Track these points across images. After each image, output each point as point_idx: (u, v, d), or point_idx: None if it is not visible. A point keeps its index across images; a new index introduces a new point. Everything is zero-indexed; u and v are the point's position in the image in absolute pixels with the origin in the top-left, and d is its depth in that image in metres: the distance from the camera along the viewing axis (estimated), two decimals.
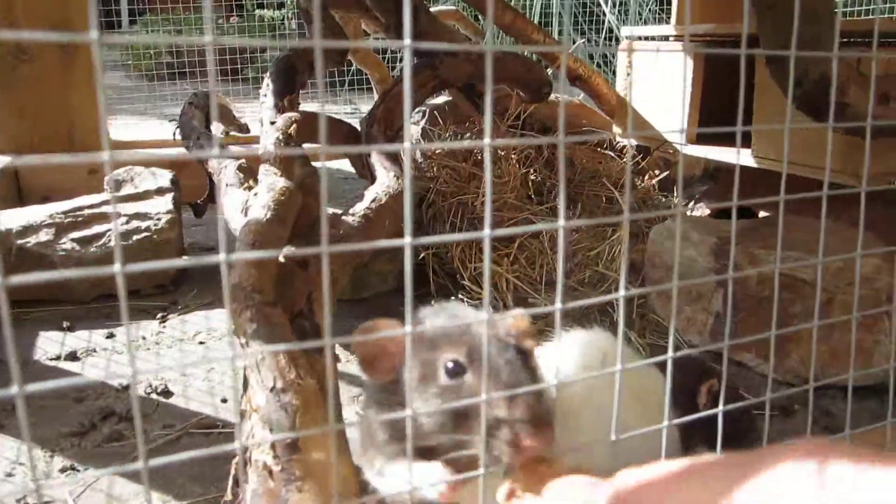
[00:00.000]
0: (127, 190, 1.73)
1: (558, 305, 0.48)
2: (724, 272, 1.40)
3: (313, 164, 1.47)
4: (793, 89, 1.27)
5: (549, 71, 2.07)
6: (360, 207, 1.20)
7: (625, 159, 2.02)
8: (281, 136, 1.25)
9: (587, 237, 1.59)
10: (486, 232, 0.45)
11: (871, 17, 3.38)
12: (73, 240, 1.56)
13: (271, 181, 1.08)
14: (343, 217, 1.18)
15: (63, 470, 1.00)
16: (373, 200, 1.22)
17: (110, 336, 1.43)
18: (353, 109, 3.46)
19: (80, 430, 1.09)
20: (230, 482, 0.77)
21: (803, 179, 1.51)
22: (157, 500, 0.94)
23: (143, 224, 1.63)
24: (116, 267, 0.36)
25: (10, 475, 1.00)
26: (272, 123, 1.31)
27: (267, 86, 1.53)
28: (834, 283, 1.27)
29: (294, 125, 1.30)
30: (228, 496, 0.76)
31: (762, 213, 1.84)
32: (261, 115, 1.48)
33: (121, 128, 2.74)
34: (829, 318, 1.29)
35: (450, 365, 0.59)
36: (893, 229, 1.51)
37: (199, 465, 1.02)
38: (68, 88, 2.32)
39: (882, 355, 1.25)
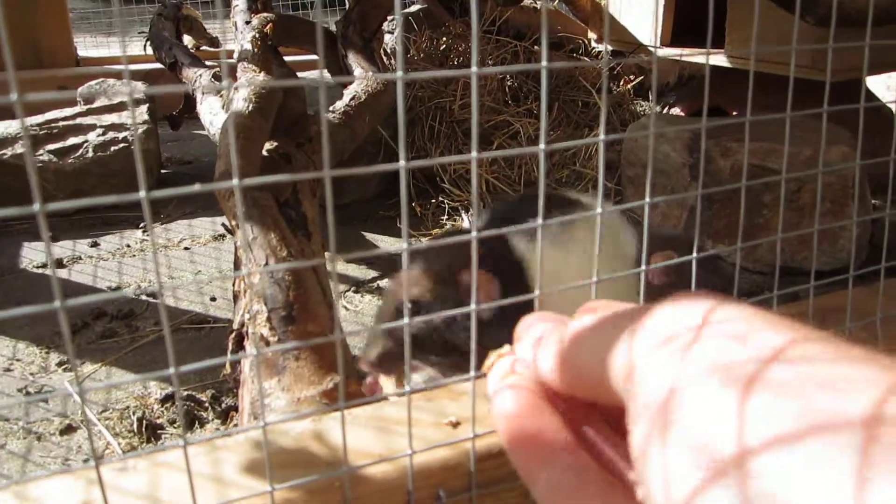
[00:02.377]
0: (101, 102, 1.71)
1: (542, 147, 0.50)
2: (699, 165, 1.44)
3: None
4: None
5: None
6: (339, 105, 1.21)
7: (600, 64, 2.02)
8: (257, 35, 1.24)
9: (564, 137, 1.61)
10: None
11: None
12: (49, 151, 1.55)
13: (250, 76, 1.08)
14: (324, 115, 1.19)
15: (60, 364, 1.03)
16: (352, 98, 1.23)
17: (94, 245, 1.44)
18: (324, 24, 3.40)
19: (73, 329, 1.12)
20: (227, 357, 0.80)
21: (776, 77, 1.53)
22: (156, 388, 0.97)
23: (120, 135, 1.62)
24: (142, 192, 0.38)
25: (8, 370, 1.02)
26: (247, 23, 1.30)
27: None
28: (804, 171, 1.31)
29: (270, 24, 1.29)
30: (227, 370, 0.80)
31: (734, 113, 1.86)
32: (234, 17, 1.46)
33: (87, 48, 2.68)
34: (799, 206, 1.33)
35: None
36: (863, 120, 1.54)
37: (193, 355, 1.05)
38: (31, 5, 2.25)
39: (847, 240, 1.30)
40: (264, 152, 1.05)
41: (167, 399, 0.94)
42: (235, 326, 0.79)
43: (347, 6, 1.90)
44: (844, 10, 1.29)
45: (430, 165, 1.57)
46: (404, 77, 0.47)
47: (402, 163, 0.45)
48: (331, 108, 1.20)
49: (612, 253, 0.81)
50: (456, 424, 0.59)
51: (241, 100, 1.03)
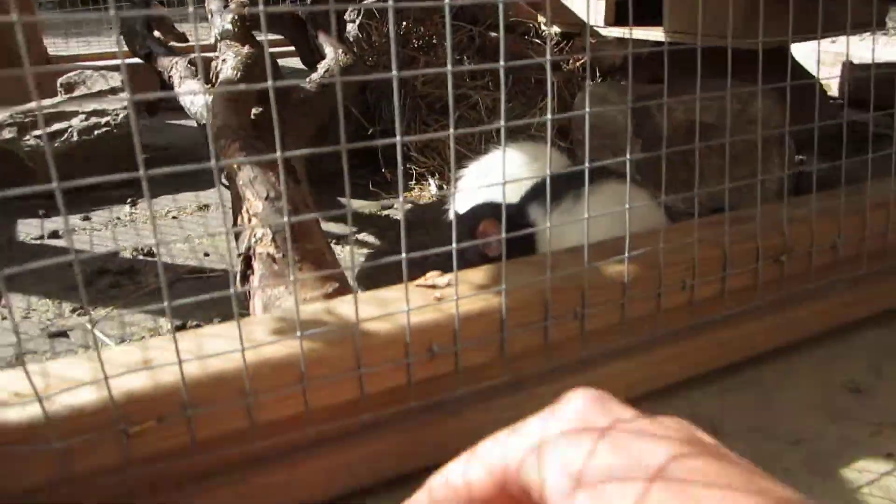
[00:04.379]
0: (80, 91, 1.80)
1: (548, 117, 0.64)
2: (642, 126, 1.59)
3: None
4: None
5: None
6: (315, 77, 1.33)
7: (548, 46, 2.17)
8: (236, 17, 1.36)
9: (519, 106, 1.75)
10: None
11: None
12: (36, 136, 1.64)
13: (236, 49, 1.20)
14: (301, 85, 1.31)
15: (74, 310, 1.14)
16: (326, 71, 1.35)
17: (86, 219, 1.54)
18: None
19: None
20: (237, 278, 0.92)
21: (712, 49, 1.69)
22: (165, 323, 1.08)
23: (103, 120, 1.71)
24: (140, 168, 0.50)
25: (26, 317, 1.12)
26: (225, 7, 1.41)
27: None
28: (734, 123, 1.47)
29: (245, 7, 1.40)
30: (238, 287, 0.91)
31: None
32: (209, 6, 1.57)
33: (58, 49, 2.75)
34: (731, 154, 1.49)
35: None
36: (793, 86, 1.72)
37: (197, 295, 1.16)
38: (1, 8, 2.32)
39: (772, 182, 1.46)
40: (252, 116, 1.17)
41: (179, 329, 1.05)
42: (242, 251, 0.91)
43: None
44: None
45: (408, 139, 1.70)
46: (399, 75, 0.60)
47: (398, 138, 0.58)
48: (308, 80, 1.33)
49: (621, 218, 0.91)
50: (440, 299, 0.73)
51: (229, 69, 1.15)
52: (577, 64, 2.17)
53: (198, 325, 1.04)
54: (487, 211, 0.93)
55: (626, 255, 0.76)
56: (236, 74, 1.13)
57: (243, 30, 1.38)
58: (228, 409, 0.61)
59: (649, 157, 1.52)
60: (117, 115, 1.74)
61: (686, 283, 0.82)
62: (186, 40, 2.47)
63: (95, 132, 1.70)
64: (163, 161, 1.91)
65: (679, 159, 1.54)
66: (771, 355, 0.92)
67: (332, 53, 1.46)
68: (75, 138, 1.67)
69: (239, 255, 0.92)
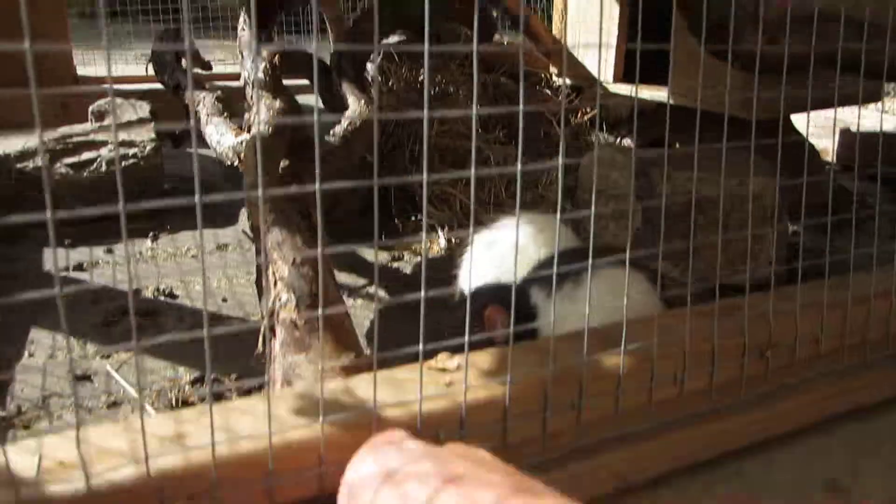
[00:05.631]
0: (109, 120, 1.87)
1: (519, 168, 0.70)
2: (645, 190, 1.66)
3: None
4: (699, 33, 1.51)
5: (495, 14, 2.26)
6: (339, 129, 1.40)
7: (560, 97, 2.25)
8: (268, 66, 1.43)
9: (528, 161, 1.82)
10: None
11: None
12: (67, 165, 1.71)
13: (268, 102, 1.27)
14: (325, 138, 1.38)
15: (97, 353, 1.20)
16: (349, 123, 1.42)
17: (109, 251, 1.60)
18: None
19: (105, 322, 1.28)
20: (260, 341, 0.98)
21: (711, 114, 1.76)
22: (184, 372, 1.15)
23: (130, 151, 1.78)
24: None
25: (52, 357, 1.18)
26: (258, 54, 1.48)
27: (244, 20, 1.68)
28: (731, 200, 1.54)
29: (277, 56, 1.47)
30: (259, 349, 0.98)
31: (677, 145, 2.10)
32: (239, 47, 1.64)
33: (86, 66, 2.83)
34: (727, 230, 1.55)
35: None
36: (783, 155, 1.79)
37: (216, 345, 1.22)
38: (31, 23, 2.39)
39: (766, 259, 1.53)
40: (279, 170, 1.23)
41: (196, 381, 1.11)
42: (266, 313, 0.97)
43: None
44: (764, 59, 1.52)
45: (411, 185, 1.77)
46: (430, 115, 0.66)
47: (424, 175, 0.65)
48: (332, 132, 1.39)
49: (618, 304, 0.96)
50: (450, 384, 0.79)
51: (263, 123, 1.21)
52: (586, 118, 2.24)
53: (216, 379, 1.11)
54: (491, 294, 1.00)
55: (623, 347, 0.82)
56: (268, 129, 1.20)
57: (275, 78, 1.45)
58: (251, 489, 0.67)
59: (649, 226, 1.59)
60: (144, 147, 1.81)
61: (677, 376, 0.88)
62: (210, 68, 2.55)
63: (123, 163, 1.77)
64: (186, 191, 1.98)
65: (678, 230, 1.60)
66: (754, 448, 0.98)
67: (354, 104, 1.53)
68: (104, 168, 1.73)
69: (262, 316, 0.98)
